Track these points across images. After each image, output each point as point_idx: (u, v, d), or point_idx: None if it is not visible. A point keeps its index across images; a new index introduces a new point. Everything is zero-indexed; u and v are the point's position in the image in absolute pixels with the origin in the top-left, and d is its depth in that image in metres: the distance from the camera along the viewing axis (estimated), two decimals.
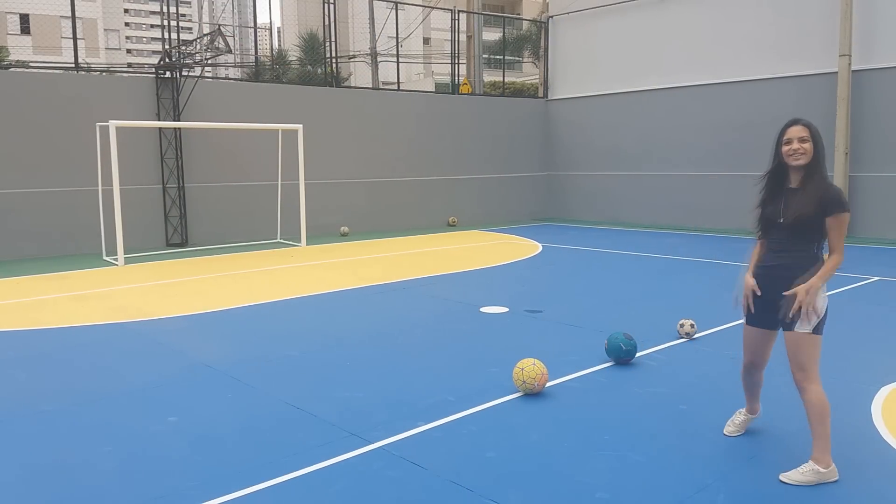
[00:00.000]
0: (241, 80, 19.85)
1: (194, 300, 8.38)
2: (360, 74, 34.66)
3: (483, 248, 12.99)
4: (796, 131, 3.56)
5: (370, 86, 24.77)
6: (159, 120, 12.99)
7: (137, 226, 12.83)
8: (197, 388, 5.12)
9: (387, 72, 28.43)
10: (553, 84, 19.26)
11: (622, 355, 5.52)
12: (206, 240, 13.77)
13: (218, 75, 19.53)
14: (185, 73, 13.25)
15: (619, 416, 4.46)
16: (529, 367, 4.77)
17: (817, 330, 3.55)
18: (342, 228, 15.30)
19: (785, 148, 3.58)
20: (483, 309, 7.59)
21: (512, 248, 12.86)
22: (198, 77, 13.39)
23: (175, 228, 13.51)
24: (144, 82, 13.26)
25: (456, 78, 18.46)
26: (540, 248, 12.73)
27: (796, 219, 3.52)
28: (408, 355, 5.95)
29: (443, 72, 36.26)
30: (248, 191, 14.33)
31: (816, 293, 3.48)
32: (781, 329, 3.67)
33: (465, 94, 18.46)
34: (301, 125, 13.44)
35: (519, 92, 25.68)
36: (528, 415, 4.49)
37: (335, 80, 16.95)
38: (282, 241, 14.18)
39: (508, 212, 18.48)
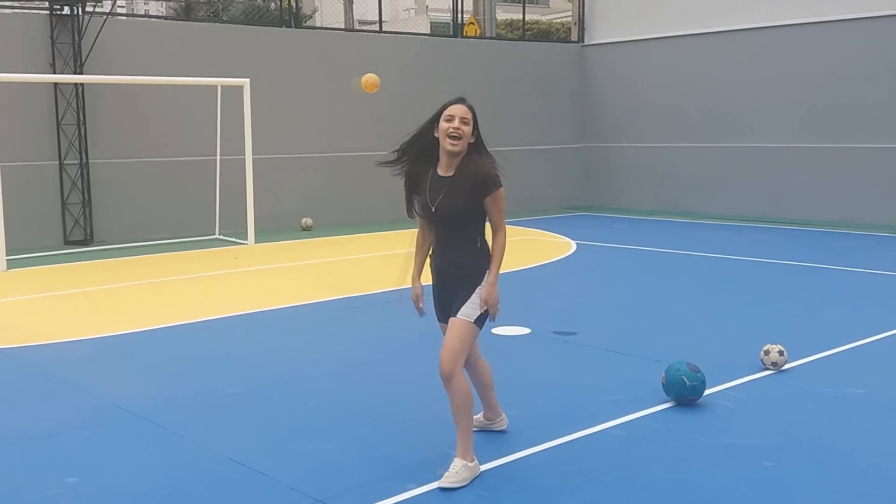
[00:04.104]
0: (165, 17, 19.89)
1: (102, 318, 8.38)
2: (327, 11, 34.69)
3: None
4: (460, 111, 4.44)
5: (342, 26, 24.78)
6: (54, 73, 13.00)
7: (24, 217, 12.82)
8: (105, 438, 5.12)
9: (365, 7, 28.43)
10: (592, 24, 19.28)
11: (685, 393, 5.52)
12: (117, 236, 13.78)
13: (135, 11, 19.56)
14: (89, 10, 13.27)
15: (681, 477, 4.46)
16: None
17: (478, 321, 4.43)
18: (304, 221, 15.32)
19: (444, 125, 4.41)
20: (496, 330, 7.59)
21: (536, 247, 12.88)
22: (107, 14, 13.42)
23: (76, 220, 13.53)
24: (34, 21, 13.28)
25: (459, 15, 18.48)
26: (574, 248, 12.73)
27: (452, 213, 4.40)
28: (393, 393, 5.95)
29: (441, 7, 36.29)
30: (175, 169, 14.34)
31: (495, 290, 4.40)
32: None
33: (471, 36, 18.48)
34: (248, 80, 13.46)
35: (545, 34, 25.73)
36: (557, 475, 4.50)
37: (294, 18, 16.96)
38: (221, 237, 14.20)
39: (531, 197, 18.48)
